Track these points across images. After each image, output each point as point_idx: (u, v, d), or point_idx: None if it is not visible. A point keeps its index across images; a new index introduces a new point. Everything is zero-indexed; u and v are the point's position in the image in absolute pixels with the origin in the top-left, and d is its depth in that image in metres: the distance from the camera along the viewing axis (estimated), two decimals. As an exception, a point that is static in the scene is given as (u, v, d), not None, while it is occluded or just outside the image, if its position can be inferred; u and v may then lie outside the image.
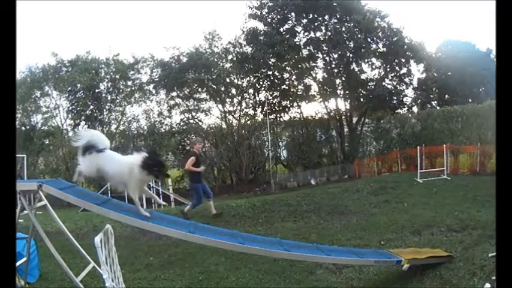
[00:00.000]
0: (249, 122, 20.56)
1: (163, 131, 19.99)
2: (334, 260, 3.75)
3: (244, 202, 8.42)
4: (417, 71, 21.05)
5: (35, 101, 19.55)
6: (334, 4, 18.75)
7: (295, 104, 20.95)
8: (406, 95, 20.54)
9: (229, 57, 20.27)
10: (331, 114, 20.64)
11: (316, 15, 19.20)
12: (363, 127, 20.60)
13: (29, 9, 32.53)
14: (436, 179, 9.78)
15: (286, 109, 21.03)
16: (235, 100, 20.87)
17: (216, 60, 19.83)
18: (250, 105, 20.91)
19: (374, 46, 19.26)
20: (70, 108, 19.85)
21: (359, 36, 18.26)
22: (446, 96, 22.59)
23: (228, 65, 20.06)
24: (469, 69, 21.18)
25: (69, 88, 19.33)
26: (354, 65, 19.58)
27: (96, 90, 19.74)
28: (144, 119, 20.63)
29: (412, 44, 19.13)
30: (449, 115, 16.17)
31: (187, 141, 20.27)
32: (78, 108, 19.55)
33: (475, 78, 21.69)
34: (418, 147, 11.20)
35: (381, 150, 18.69)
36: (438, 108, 19.76)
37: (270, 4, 19.42)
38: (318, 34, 19.57)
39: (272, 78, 20.30)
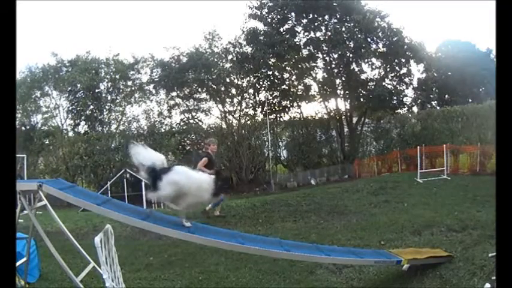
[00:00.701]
0: (249, 122, 20.54)
1: (163, 131, 19.97)
2: (334, 260, 3.75)
3: (244, 202, 8.43)
4: (417, 71, 21.07)
5: (35, 101, 19.54)
6: (334, 4, 18.73)
7: (295, 104, 20.94)
8: (406, 95, 20.52)
9: (229, 57, 20.25)
10: (331, 114, 20.63)
11: (316, 15, 19.19)
12: (363, 127, 20.59)
13: (29, 9, 32.54)
14: (436, 179, 9.78)
15: (286, 109, 21.01)
16: (235, 100, 20.86)
17: (216, 60, 19.81)
18: (250, 105, 20.89)
19: (374, 46, 19.26)
20: (70, 108, 19.85)
21: (359, 36, 18.25)
22: (446, 96, 22.59)
23: (228, 65, 20.03)
24: (469, 69, 21.18)
25: (69, 88, 19.32)
26: (354, 65, 19.57)
27: (96, 90, 19.73)
28: (144, 119, 20.64)
29: (412, 44, 19.12)
30: (449, 115, 16.20)
31: (188, 141, 20.27)
32: (78, 108, 19.55)
33: (475, 78, 21.69)
34: (418, 147, 11.21)
35: (381, 150, 18.70)
36: (438, 108, 19.79)
37: (270, 4, 19.41)
38: (318, 34, 19.56)
39: (272, 78, 20.29)
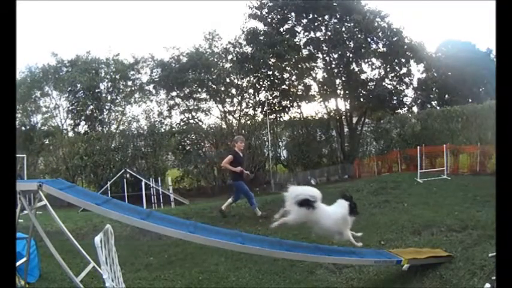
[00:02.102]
0: (249, 122, 20.54)
1: (163, 131, 19.97)
2: (334, 260, 3.75)
3: (244, 202, 8.41)
4: (417, 71, 21.07)
5: (35, 101, 19.54)
6: (334, 4, 18.74)
7: (295, 104, 20.94)
8: (406, 95, 20.53)
9: (229, 57, 20.25)
10: (331, 114, 20.63)
11: (316, 15, 19.18)
12: (363, 127, 20.59)
13: (29, 9, 32.55)
14: (436, 179, 9.77)
15: (286, 109, 21.02)
16: (235, 100, 20.86)
17: (216, 60, 19.82)
18: (250, 105, 20.90)
19: (374, 46, 19.25)
20: (70, 108, 19.86)
21: (359, 36, 18.25)
22: (446, 96, 22.60)
23: (228, 65, 20.03)
24: (469, 69, 21.18)
25: (69, 88, 19.32)
26: (354, 65, 19.57)
27: (96, 90, 19.73)
28: (144, 119, 20.64)
29: (412, 44, 19.12)
30: (449, 115, 16.19)
31: (188, 141, 20.26)
32: (78, 108, 19.56)
33: (475, 78, 21.69)
34: (418, 147, 11.19)
35: (381, 150, 18.68)
36: (438, 108, 19.77)
37: (270, 4, 19.41)
38: (318, 34, 19.56)
39: (272, 78, 20.28)
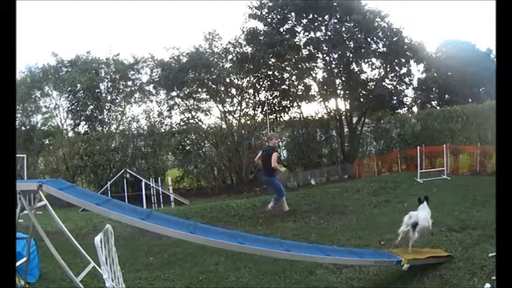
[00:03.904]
0: (249, 122, 20.55)
1: (163, 131, 19.98)
2: (334, 260, 3.74)
3: (244, 202, 8.42)
4: (417, 71, 21.12)
5: (35, 101, 19.55)
6: (334, 4, 18.76)
7: (295, 104, 20.96)
8: (406, 95, 20.61)
9: (229, 57, 20.26)
10: (331, 114, 20.64)
11: (316, 15, 19.21)
12: (363, 127, 20.60)
13: (29, 9, 32.54)
14: (436, 179, 9.76)
15: (286, 109, 21.04)
16: (235, 100, 20.87)
17: (216, 60, 19.82)
18: (250, 105, 20.91)
19: (374, 46, 19.29)
20: (70, 108, 19.89)
21: (359, 36, 18.27)
22: (446, 96, 22.58)
23: (228, 65, 20.04)
24: (469, 69, 21.16)
25: (69, 88, 19.36)
26: (354, 65, 19.61)
27: (96, 90, 19.75)
28: (144, 119, 20.65)
29: (412, 44, 19.14)
30: (449, 115, 16.20)
31: (188, 141, 20.27)
32: (78, 108, 19.59)
33: (475, 78, 21.67)
34: (418, 147, 11.19)
35: (381, 150, 18.70)
36: (438, 108, 19.78)
37: (270, 4, 19.43)
38: (318, 34, 19.59)
39: (272, 78, 20.31)
